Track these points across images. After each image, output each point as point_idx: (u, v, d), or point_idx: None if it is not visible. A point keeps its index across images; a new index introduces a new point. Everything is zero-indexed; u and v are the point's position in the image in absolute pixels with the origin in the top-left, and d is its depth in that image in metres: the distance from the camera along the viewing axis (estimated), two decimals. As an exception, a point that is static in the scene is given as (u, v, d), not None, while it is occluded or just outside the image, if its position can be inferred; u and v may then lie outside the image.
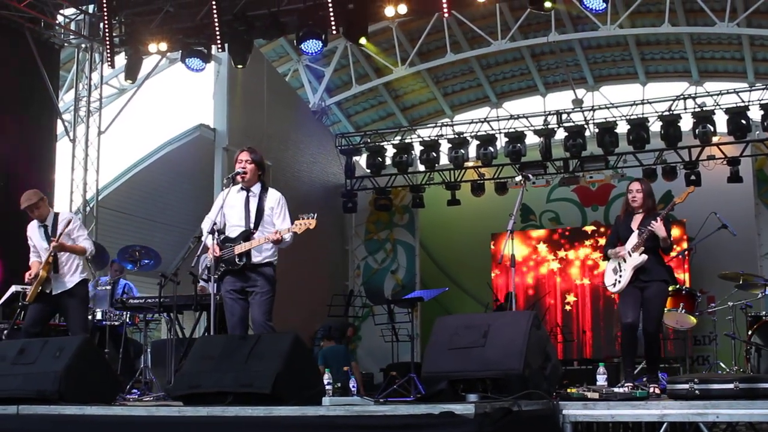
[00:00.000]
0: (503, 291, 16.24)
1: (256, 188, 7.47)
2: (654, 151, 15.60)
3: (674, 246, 8.01)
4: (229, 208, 7.45)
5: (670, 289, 9.38)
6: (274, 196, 7.47)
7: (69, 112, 14.08)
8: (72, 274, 8.33)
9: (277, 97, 15.81)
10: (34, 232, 8.49)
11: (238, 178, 7.38)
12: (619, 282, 7.57)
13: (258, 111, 14.93)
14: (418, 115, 19.63)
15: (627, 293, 7.56)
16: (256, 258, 7.27)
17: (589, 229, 17.05)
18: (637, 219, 7.69)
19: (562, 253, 16.94)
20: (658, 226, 7.41)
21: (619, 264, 7.60)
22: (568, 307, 16.61)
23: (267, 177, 7.66)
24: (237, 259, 7.24)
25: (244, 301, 7.31)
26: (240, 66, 12.76)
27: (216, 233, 7.35)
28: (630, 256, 7.51)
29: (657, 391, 6.98)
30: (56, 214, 8.52)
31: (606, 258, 7.85)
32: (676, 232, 14.53)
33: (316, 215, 7.12)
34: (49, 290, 8.25)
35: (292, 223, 7.23)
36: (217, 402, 5.47)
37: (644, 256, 7.45)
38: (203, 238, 7.39)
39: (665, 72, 17.99)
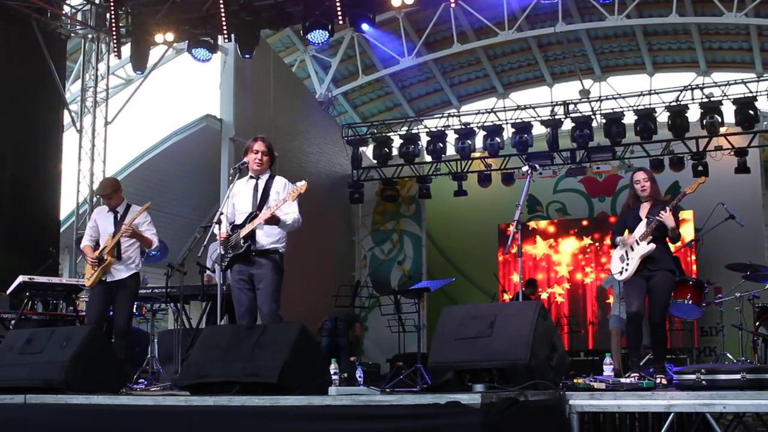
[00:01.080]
0: (509, 281, 16.27)
1: (264, 176, 7.49)
2: (661, 142, 15.58)
3: (681, 236, 7.95)
4: (238, 197, 7.49)
5: (677, 279, 9.41)
6: (280, 182, 7.47)
7: (76, 103, 14.10)
8: (129, 264, 8.39)
9: (284, 87, 15.80)
10: (101, 216, 8.55)
11: (255, 166, 7.39)
12: (626, 270, 7.55)
13: (264, 101, 14.93)
14: (425, 105, 19.63)
15: (632, 282, 7.54)
16: (261, 242, 7.25)
17: (597, 219, 17.02)
18: (644, 207, 7.67)
19: (570, 243, 16.93)
20: (667, 216, 7.39)
21: (626, 252, 7.59)
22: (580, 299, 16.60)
23: (275, 166, 7.66)
24: (242, 242, 7.24)
25: (251, 290, 7.30)
26: (247, 56, 12.73)
27: (222, 223, 7.38)
28: (638, 244, 7.50)
29: (664, 381, 6.97)
30: (129, 205, 8.57)
31: (614, 245, 7.84)
32: (686, 228, 14.49)
33: (305, 181, 7.09)
34: (106, 277, 8.30)
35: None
36: (224, 392, 5.48)
37: (652, 245, 7.43)
38: (215, 230, 7.41)
39: (672, 62, 17.95)
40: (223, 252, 7.34)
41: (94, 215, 8.71)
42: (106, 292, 8.34)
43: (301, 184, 7.06)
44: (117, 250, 8.29)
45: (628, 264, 7.54)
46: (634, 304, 7.45)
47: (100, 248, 8.33)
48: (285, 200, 7.12)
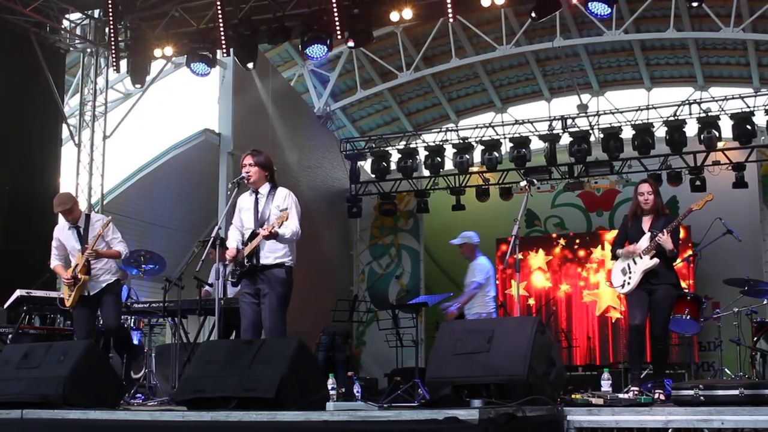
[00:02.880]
0: (508, 296, 16.26)
1: (264, 189, 7.53)
2: (659, 157, 15.58)
3: (680, 253, 7.96)
4: (244, 212, 7.56)
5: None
6: (281, 195, 7.50)
7: (74, 117, 14.11)
8: (105, 275, 8.41)
9: (282, 101, 15.82)
10: (63, 233, 8.53)
11: (244, 181, 7.48)
12: (628, 284, 7.54)
13: (263, 116, 14.94)
14: (423, 120, 19.65)
15: (635, 295, 7.53)
16: (265, 259, 7.29)
17: (594, 233, 17.01)
18: (646, 220, 7.65)
19: (567, 257, 16.92)
20: (665, 240, 7.38)
21: (628, 265, 7.58)
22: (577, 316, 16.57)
23: (275, 178, 7.68)
24: (245, 261, 7.29)
25: (257, 304, 7.32)
26: (251, 64, 12.63)
27: (231, 238, 7.54)
28: (641, 258, 7.48)
29: (662, 397, 6.96)
30: (87, 216, 8.58)
31: (615, 258, 7.81)
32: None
33: (288, 207, 7.22)
34: (87, 292, 8.32)
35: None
36: (221, 407, 5.47)
37: (656, 260, 7.41)
38: (228, 243, 7.50)
39: (670, 77, 17.99)
40: (231, 269, 7.39)
41: (56, 234, 8.62)
42: (88, 307, 8.35)
43: (283, 214, 7.15)
44: (88, 265, 8.28)
45: (630, 277, 7.53)
46: (637, 317, 7.44)
47: (72, 266, 8.31)
48: (273, 225, 7.16)
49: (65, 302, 8.40)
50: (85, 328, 8.34)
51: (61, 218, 8.81)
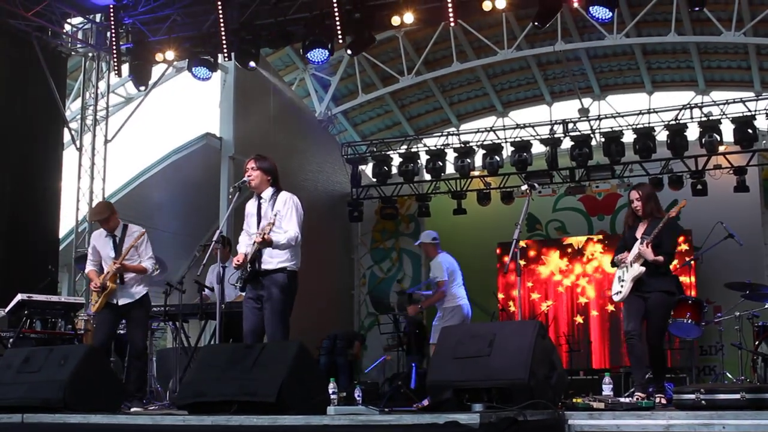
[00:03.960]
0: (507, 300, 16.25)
1: (267, 194, 7.54)
2: (660, 161, 15.57)
3: (674, 256, 7.84)
4: (249, 217, 7.58)
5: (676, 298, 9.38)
6: (282, 199, 7.49)
7: (76, 121, 14.12)
8: (137, 285, 8.46)
9: (284, 106, 15.83)
10: (100, 240, 8.59)
11: (245, 185, 7.50)
12: (620, 292, 7.56)
13: (264, 120, 14.95)
14: (424, 124, 19.66)
15: (629, 302, 7.54)
16: (266, 264, 7.30)
17: (596, 238, 17.00)
18: (641, 227, 7.65)
19: (569, 261, 16.92)
20: (644, 251, 7.38)
21: (623, 273, 7.59)
22: (579, 319, 16.55)
23: (279, 181, 7.68)
24: (248, 266, 7.30)
25: (259, 309, 7.32)
26: (252, 63, 12.59)
27: (241, 243, 7.57)
28: (631, 266, 7.49)
29: (663, 401, 6.95)
30: (125, 226, 8.63)
31: (613, 265, 7.82)
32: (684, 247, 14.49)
33: (283, 213, 7.25)
34: (115, 300, 8.34)
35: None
36: (222, 411, 5.47)
37: (642, 268, 7.40)
38: (237, 247, 7.52)
39: (672, 81, 17.99)
40: (239, 274, 7.41)
41: (92, 240, 8.73)
42: (113, 314, 8.39)
43: (266, 226, 7.14)
44: (120, 275, 8.34)
45: (623, 285, 7.54)
46: (630, 323, 7.42)
47: (104, 274, 8.36)
48: (264, 233, 7.16)
49: (92, 308, 8.45)
50: (104, 331, 8.38)
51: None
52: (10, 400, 6.15)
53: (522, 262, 7.68)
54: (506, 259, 7.69)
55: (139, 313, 8.46)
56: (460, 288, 10.63)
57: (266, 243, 7.15)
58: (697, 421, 5.12)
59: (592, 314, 16.42)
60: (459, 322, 10.17)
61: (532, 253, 17.06)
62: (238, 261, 7.37)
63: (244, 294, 7.52)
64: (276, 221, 7.21)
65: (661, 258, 7.40)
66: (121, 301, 8.35)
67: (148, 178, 15.57)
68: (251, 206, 7.63)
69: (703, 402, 5.40)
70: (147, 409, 8.04)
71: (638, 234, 7.60)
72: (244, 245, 7.52)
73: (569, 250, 16.93)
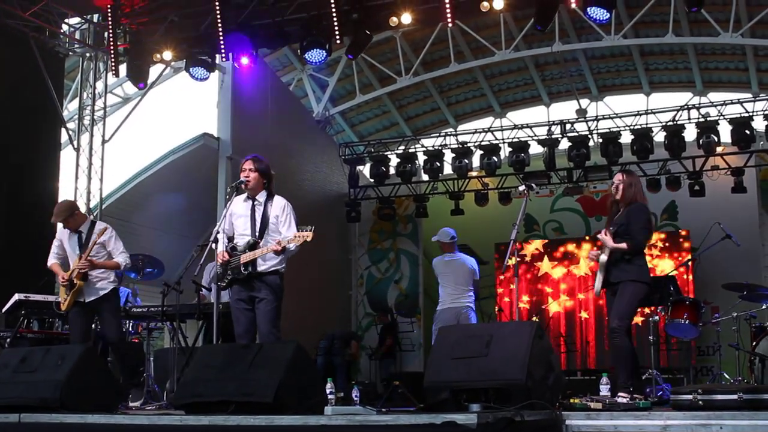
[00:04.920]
0: (505, 301, 16.26)
1: (261, 197, 7.52)
2: (658, 162, 15.58)
3: (644, 243, 7.33)
4: (237, 218, 7.53)
5: (674, 298, 9.38)
6: (279, 204, 7.49)
7: (73, 121, 14.12)
8: (102, 281, 8.37)
9: (281, 106, 15.82)
10: (65, 235, 8.53)
11: (242, 186, 7.47)
12: (596, 283, 7.37)
13: (262, 120, 14.94)
14: (422, 124, 19.66)
15: (608, 297, 7.32)
16: (261, 267, 7.31)
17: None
18: (620, 213, 7.41)
19: (567, 261, 16.93)
20: (603, 238, 7.18)
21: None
22: (577, 319, 16.55)
23: (272, 186, 7.68)
24: (242, 269, 7.29)
25: (250, 311, 7.33)
26: (245, 59, 12.56)
27: (220, 241, 7.42)
28: (603, 255, 7.26)
29: (624, 400, 6.59)
30: (93, 223, 8.58)
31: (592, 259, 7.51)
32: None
33: (313, 228, 7.10)
34: (82, 299, 8.30)
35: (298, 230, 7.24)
36: (219, 411, 5.46)
37: (603, 257, 7.18)
38: (213, 247, 7.44)
39: (669, 82, 18.01)
40: (221, 272, 7.37)
41: (58, 234, 8.65)
42: (83, 312, 8.32)
43: (308, 232, 7.05)
44: (84, 273, 8.25)
45: (597, 277, 7.36)
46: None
47: (70, 271, 8.29)
48: (290, 241, 7.13)
49: (60, 306, 8.39)
50: (79, 333, 8.33)
51: None
52: (7, 400, 6.15)
53: (519, 262, 7.59)
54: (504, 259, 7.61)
55: (109, 307, 8.38)
56: (443, 289, 10.86)
57: (280, 252, 7.16)
58: (694, 421, 5.12)
59: (590, 314, 16.42)
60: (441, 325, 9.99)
61: (529, 254, 17.07)
62: (222, 259, 7.35)
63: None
64: (271, 226, 7.27)
65: (623, 245, 7.09)
66: (89, 298, 8.29)
67: (145, 178, 15.57)
68: (240, 207, 7.57)
69: (700, 402, 5.40)
70: (144, 408, 8.05)
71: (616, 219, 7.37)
72: (222, 243, 7.47)
73: (567, 250, 16.94)
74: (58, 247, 8.54)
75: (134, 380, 8.50)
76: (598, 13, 11.02)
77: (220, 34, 12.02)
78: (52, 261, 8.54)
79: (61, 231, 8.64)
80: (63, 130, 13.45)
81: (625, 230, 7.17)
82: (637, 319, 15.17)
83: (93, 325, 8.84)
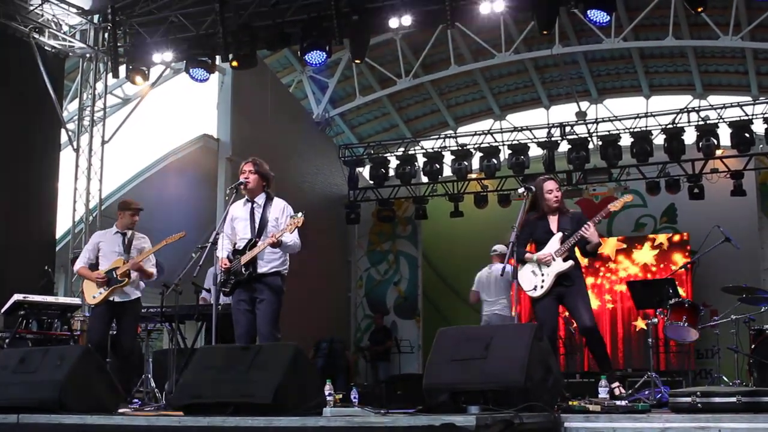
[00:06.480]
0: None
1: (261, 199, 7.53)
2: (657, 164, 15.60)
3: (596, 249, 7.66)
4: (237, 221, 7.54)
5: (673, 301, 9.40)
6: (278, 206, 7.50)
7: (73, 122, 14.10)
8: (136, 287, 8.66)
9: (281, 107, 15.82)
10: (107, 236, 8.77)
11: (241, 188, 7.47)
12: (542, 287, 7.38)
13: (261, 122, 14.94)
14: (422, 126, 19.66)
15: (546, 303, 7.38)
16: (262, 268, 7.31)
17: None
18: (553, 220, 7.50)
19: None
20: (592, 232, 7.28)
21: (539, 267, 7.42)
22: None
23: (271, 187, 7.68)
24: (243, 269, 7.28)
25: (251, 312, 7.32)
26: (248, 64, 12.60)
27: (220, 243, 7.43)
28: (554, 260, 7.34)
29: (621, 391, 6.67)
30: (133, 232, 8.86)
31: (519, 261, 7.47)
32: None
33: (302, 213, 7.15)
34: (113, 297, 8.47)
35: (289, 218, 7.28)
36: (218, 412, 5.45)
37: (570, 262, 7.29)
38: (216, 251, 7.45)
39: (669, 85, 18.02)
40: (225, 278, 7.37)
41: (95, 238, 8.86)
42: (109, 312, 8.45)
43: (299, 217, 7.09)
44: (128, 272, 8.52)
45: (543, 280, 7.37)
46: (548, 327, 7.18)
47: (108, 268, 8.44)
48: (283, 231, 7.16)
49: (86, 299, 8.56)
50: (98, 328, 8.45)
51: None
52: (6, 400, 6.13)
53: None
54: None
55: (130, 316, 8.59)
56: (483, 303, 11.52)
57: (277, 244, 7.16)
58: (693, 424, 5.11)
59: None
60: None
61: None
62: (224, 266, 7.37)
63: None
64: (270, 228, 7.27)
65: (600, 239, 7.46)
66: (118, 298, 8.47)
67: (145, 179, 15.54)
68: (240, 210, 7.58)
69: (699, 405, 5.40)
70: (142, 410, 8.04)
71: (553, 227, 7.45)
72: (225, 249, 7.49)
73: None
74: (91, 251, 8.71)
75: (132, 384, 8.52)
76: (598, 15, 11.04)
77: (221, 35, 12.02)
78: (80, 264, 8.70)
79: (101, 234, 8.90)
80: (63, 130, 13.44)
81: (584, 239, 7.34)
82: (640, 324, 15.22)
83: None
